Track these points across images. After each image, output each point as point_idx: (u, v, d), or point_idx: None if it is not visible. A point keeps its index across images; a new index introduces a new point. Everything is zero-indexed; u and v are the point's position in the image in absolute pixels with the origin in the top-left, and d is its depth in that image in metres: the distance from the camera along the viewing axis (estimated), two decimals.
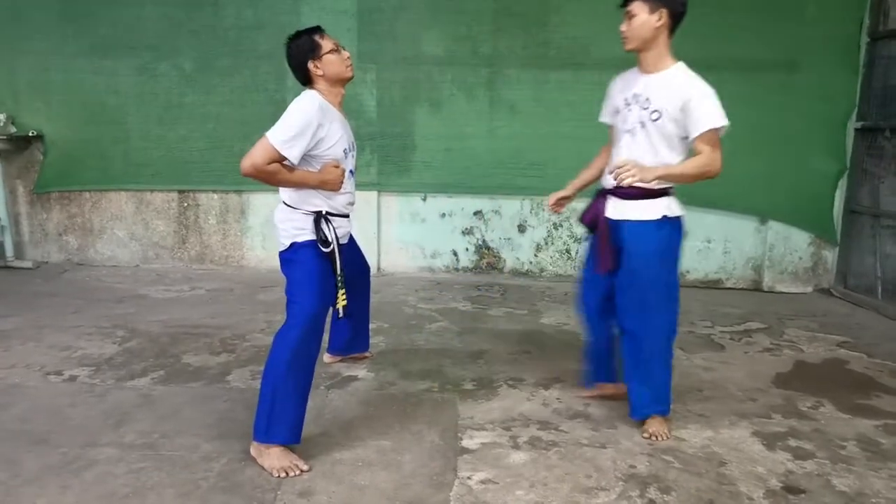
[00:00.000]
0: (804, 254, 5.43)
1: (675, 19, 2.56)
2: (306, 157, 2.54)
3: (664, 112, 2.55)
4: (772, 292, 5.40)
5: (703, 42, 5.13)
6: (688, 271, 5.53)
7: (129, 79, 5.43)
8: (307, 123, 2.47)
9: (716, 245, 5.48)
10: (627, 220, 2.68)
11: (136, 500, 2.24)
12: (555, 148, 5.33)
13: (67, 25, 5.37)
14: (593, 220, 2.81)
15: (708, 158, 2.55)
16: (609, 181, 2.70)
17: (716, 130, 2.55)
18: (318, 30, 2.66)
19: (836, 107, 5.19)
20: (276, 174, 2.48)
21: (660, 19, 2.52)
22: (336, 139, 2.59)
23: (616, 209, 2.72)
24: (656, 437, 2.75)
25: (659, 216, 2.65)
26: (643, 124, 2.60)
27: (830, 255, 5.45)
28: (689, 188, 5.63)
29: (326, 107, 2.58)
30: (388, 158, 5.47)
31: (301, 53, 2.61)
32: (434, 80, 5.38)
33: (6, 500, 2.22)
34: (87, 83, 5.45)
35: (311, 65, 2.61)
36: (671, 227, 2.69)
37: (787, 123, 5.18)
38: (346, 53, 2.67)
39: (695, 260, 5.50)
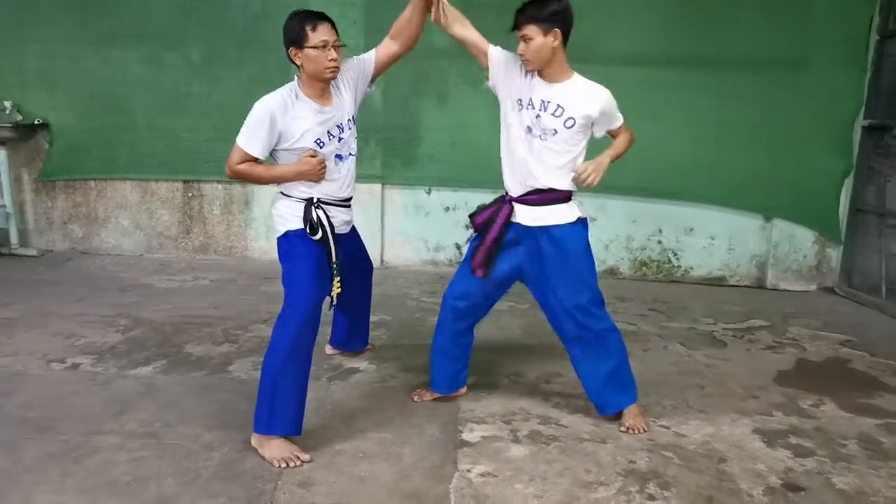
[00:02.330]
0: (808, 252, 5.41)
1: (568, 33, 2.64)
2: (280, 153, 2.60)
3: (577, 119, 2.65)
4: (775, 290, 5.39)
5: (710, 38, 5.13)
6: (691, 268, 5.52)
7: (136, 68, 5.43)
8: (261, 119, 2.51)
9: (720, 242, 5.47)
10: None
11: (137, 488, 2.25)
12: None
13: (75, 14, 5.37)
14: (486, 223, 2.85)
15: (630, 134, 2.82)
16: (516, 189, 2.77)
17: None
18: (316, 17, 2.53)
19: (843, 105, 5.16)
20: (250, 172, 2.58)
21: (555, 39, 2.59)
22: (301, 132, 2.56)
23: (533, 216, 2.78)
24: (634, 430, 2.79)
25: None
26: (556, 131, 2.66)
27: (835, 254, 5.43)
28: (695, 185, 5.60)
29: (291, 101, 2.56)
30: (392, 151, 5.47)
31: (287, 38, 2.56)
32: (440, 73, 5.36)
33: (8, 486, 2.24)
34: (93, 72, 5.45)
35: (291, 52, 2.56)
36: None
37: (793, 121, 5.16)
38: (332, 54, 2.52)
39: (699, 257, 5.49)
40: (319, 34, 2.51)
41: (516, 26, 2.61)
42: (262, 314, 4.16)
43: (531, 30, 2.56)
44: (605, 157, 2.73)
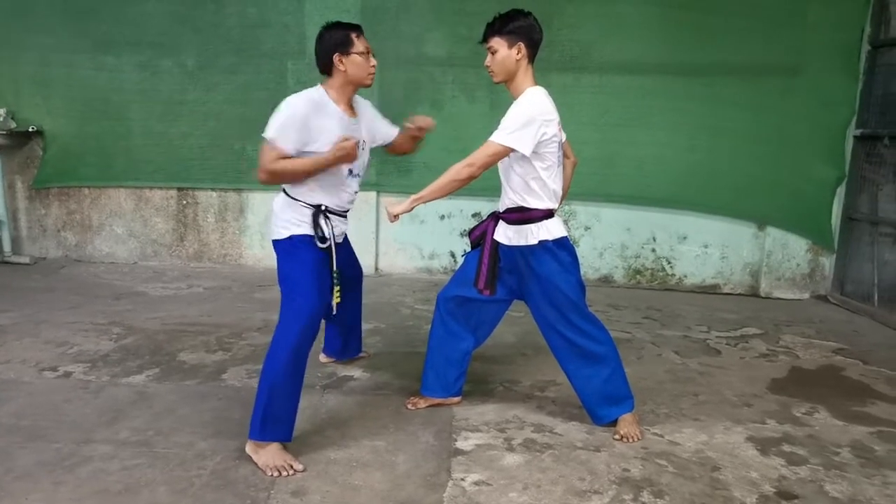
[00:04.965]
0: (802, 260, 5.43)
1: (533, 48, 2.66)
2: (300, 154, 2.59)
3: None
4: (769, 298, 5.40)
5: (703, 47, 5.16)
6: (685, 276, 5.53)
7: (131, 75, 5.43)
8: (293, 116, 2.52)
9: (713, 250, 5.48)
10: None
11: (129, 497, 2.24)
12: None
13: (70, 21, 5.37)
14: None
15: (467, 159, 2.61)
16: (502, 204, 2.82)
17: (495, 142, 2.59)
18: (357, 28, 2.65)
19: (835, 114, 5.19)
20: (288, 167, 2.54)
21: (519, 52, 2.62)
22: (324, 135, 2.58)
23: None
24: (628, 438, 2.77)
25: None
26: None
27: (828, 262, 5.45)
28: (689, 193, 5.61)
29: (321, 104, 2.61)
30: (387, 159, 5.44)
31: (331, 43, 2.60)
32: (436, 81, 5.38)
33: None
34: (88, 79, 5.44)
35: (336, 57, 2.60)
36: None
37: (786, 129, 5.19)
38: (373, 62, 2.66)
39: (692, 265, 5.51)
40: (363, 42, 2.63)
41: (484, 39, 2.68)
42: (257, 322, 4.15)
43: (496, 42, 2.63)
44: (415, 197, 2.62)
